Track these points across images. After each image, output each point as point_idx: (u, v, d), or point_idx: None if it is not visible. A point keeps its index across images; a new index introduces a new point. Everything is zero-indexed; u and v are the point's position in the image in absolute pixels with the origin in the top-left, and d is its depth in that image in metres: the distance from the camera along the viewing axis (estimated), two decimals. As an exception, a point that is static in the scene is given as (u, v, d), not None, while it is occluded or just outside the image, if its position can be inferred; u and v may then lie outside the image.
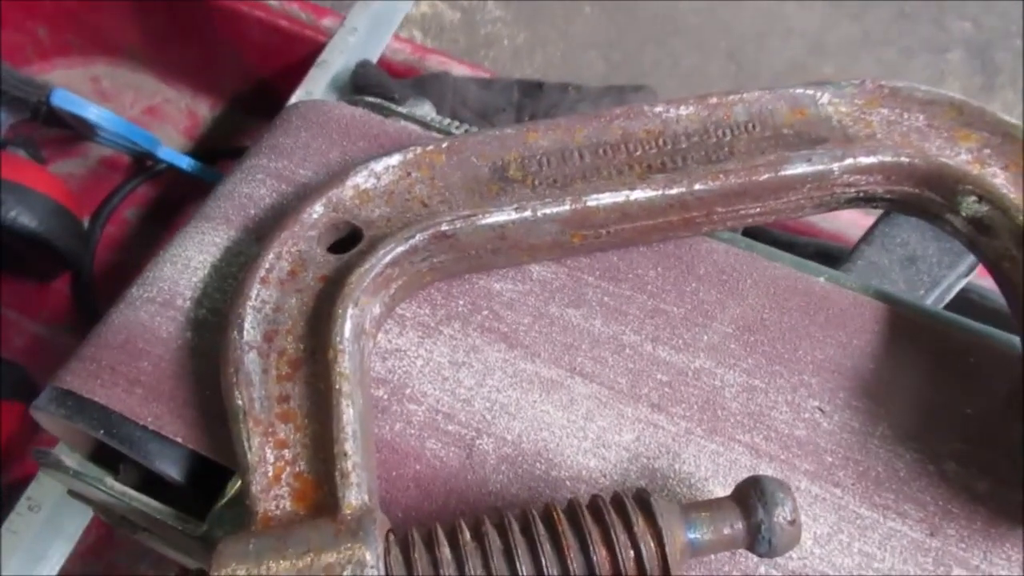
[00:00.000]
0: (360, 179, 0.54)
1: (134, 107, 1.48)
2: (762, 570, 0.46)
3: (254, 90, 1.44)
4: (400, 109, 0.65)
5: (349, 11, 1.21)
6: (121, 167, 1.42)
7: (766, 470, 0.48)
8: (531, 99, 1.19)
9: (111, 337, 0.53)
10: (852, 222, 1.02)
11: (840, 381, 0.51)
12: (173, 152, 1.34)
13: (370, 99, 0.65)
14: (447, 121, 0.67)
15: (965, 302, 0.69)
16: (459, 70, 1.24)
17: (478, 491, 0.48)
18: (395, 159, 0.55)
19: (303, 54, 1.30)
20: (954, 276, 0.68)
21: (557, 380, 0.51)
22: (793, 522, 0.41)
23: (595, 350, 0.52)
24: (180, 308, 0.54)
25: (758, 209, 0.54)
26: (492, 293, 0.54)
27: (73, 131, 1.33)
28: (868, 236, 0.70)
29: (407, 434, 0.50)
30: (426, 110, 0.72)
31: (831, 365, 0.52)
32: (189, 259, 0.56)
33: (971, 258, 0.69)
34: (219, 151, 1.44)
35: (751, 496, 0.41)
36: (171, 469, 0.50)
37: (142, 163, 1.41)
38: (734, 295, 0.55)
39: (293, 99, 1.19)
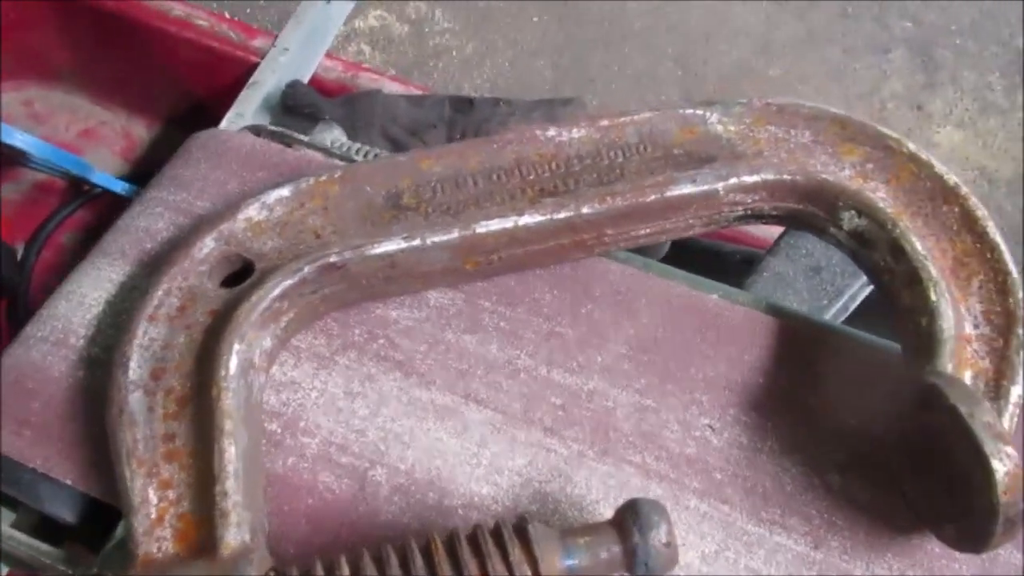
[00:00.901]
0: (252, 211, 0.54)
1: (69, 130, 1.46)
2: (649, 590, 0.46)
3: (191, 109, 1.43)
4: (302, 137, 0.65)
5: (280, 31, 1.21)
6: (56, 191, 1.40)
7: (656, 490, 0.49)
8: (462, 115, 1.19)
9: (3, 376, 0.53)
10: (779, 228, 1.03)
11: (730, 397, 0.52)
12: (107, 177, 1.33)
13: (272, 128, 0.65)
14: (356, 147, 0.67)
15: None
16: (391, 87, 1.25)
17: (370, 523, 0.48)
18: (287, 190, 0.55)
19: (237, 74, 1.29)
20: (857, 285, 0.69)
21: (451, 407, 0.52)
22: (668, 544, 0.41)
23: (490, 375, 0.53)
24: (73, 347, 0.53)
25: (648, 230, 0.55)
26: (388, 321, 0.55)
27: (4, 155, 1.31)
28: (774, 247, 0.71)
29: (300, 468, 0.50)
30: (335, 135, 0.72)
31: (722, 381, 0.53)
32: (84, 296, 0.56)
33: (874, 266, 0.70)
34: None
35: (627, 520, 0.42)
36: (63, 511, 0.49)
37: (78, 187, 1.39)
38: (628, 315, 0.55)
39: (224, 122, 1.18)
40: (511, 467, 0.50)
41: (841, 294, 0.69)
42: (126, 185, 1.34)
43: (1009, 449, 0.41)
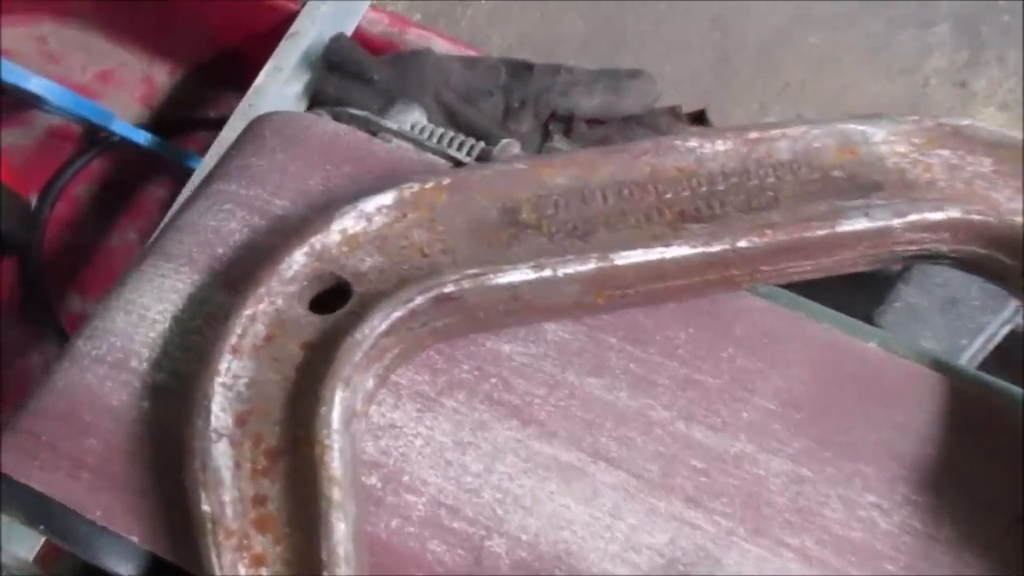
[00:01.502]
0: (348, 221, 0.46)
1: (85, 71, 1.36)
2: None
3: (218, 58, 1.32)
4: (390, 124, 0.56)
5: (322, -23, 1.11)
6: (72, 138, 1.31)
7: (818, 581, 0.42)
8: (519, 81, 1.10)
9: (53, 405, 0.45)
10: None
11: (898, 471, 0.45)
12: (128, 126, 1.23)
13: (354, 112, 0.57)
14: (440, 133, 0.59)
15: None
16: (441, 46, 1.15)
17: (487, 603, 0.41)
18: (389, 197, 0.47)
19: (271, 22, 1.19)
20: (999, 322, 0.62)
21: (578, 466, 0.45)
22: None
23: (620, 429, 0.46)
24: (135, 371, 0.46)
25: (808, 267, 0.47)
26: (501, 357, 0.47)
27: (16, 97, 1.21)
28: (905, 274, 0.63)
29: (405, 533, 0.43)
30: (415, 117, 0.63)
31: (888, 451, 0.46)
32: (146, 308, 0.48)
33: (1015, 303, 0.63)
34: (180, 123, 1.33)
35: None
36: (124, 568, 0.42)
37: (95, 134, 1.30)
38: (777, 363, 0.48)
39: (262, 75, 1.09)
40: (650, 544, 0.43)
41: (980, 331, 0.62)
42: (148, 135, 1.25)
43: None
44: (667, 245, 0.45)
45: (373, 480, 0.44)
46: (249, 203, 0.51)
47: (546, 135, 1.06)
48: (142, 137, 1.23)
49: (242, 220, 0.51)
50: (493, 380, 0.47)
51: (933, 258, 0.48)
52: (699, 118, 1.12)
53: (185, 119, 1.33)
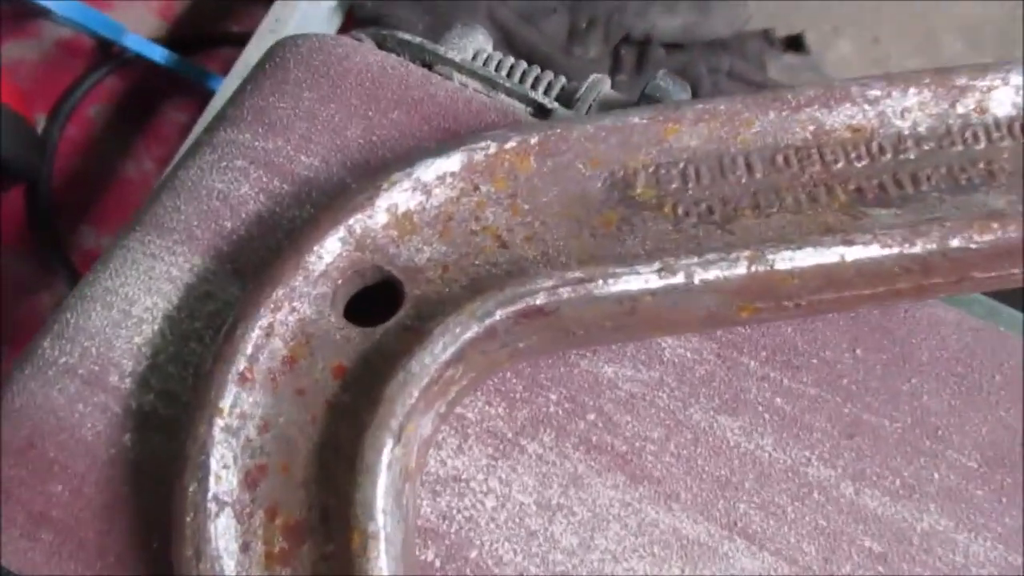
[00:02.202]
0: (399, 195, 0.34)
1: (96, -23, 1.22)
2: None
3: (243, -37, 1.18)
4: (449, 53, 0.43)
5: None
6: (82, 52, 1.18)
7: None
8: (587, -1, 0.94)
9: (9, 434, 0.34)
10: None
11: None
12: (143, 40, 1.10)
13: (403, 36, 0.43)
14: (511, 64, 0.45)
15: None
16: (498, -47, 0.99)
17: None
18: (455, 162, 0.34)
19: (303, -78, 1.03)
20: None
21: (708, 544, 0.33)
22: None
23: (765, 491, 0.34)
24: (115, 390, 0.34)
25: (1036, 274, 0.34)
26: (601, 383, 0.35)
27: (19, 5, 1.08)
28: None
29: (472, 630, 0.31)
30: (479, 43, 0.49)
31: None
32: (131, 302, 0.36)
33: None
34: (200, 38, 1.19)
35: None
36: (101, 657, 0.32)
37: (108, 48, 1.17)
38: (976, 401, 0.35)
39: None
40: (808, 660, 0.31)
41: None
42: (164, 52, 1.11)
43: None
44: (849, 243, 0.32)
45: (430, 555, 0.32)
46: (267, 159, 0.39)
47: (616, 62, 0.92)
48: (158, 54, 1.10)
49: (257, 183, 0.38)
50: (591, 416, 0.34)
51: None
52: (795, 43, 0.96)
53: (206, 34, 1.20)
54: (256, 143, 0.39)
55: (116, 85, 1.18)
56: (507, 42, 0.92)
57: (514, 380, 0.35)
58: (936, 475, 0.34)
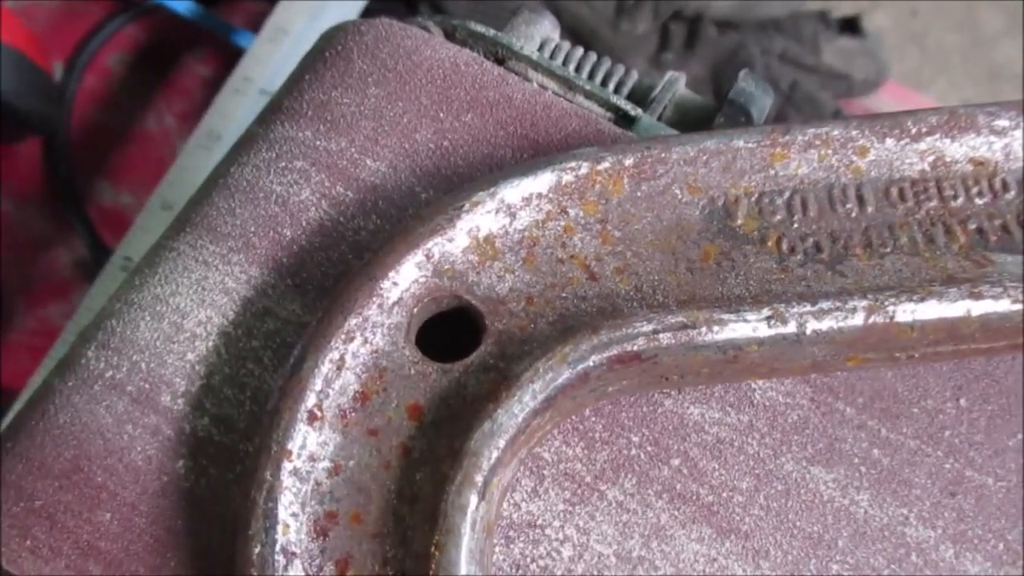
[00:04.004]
0: (482, 216, 0.31)
1: (116, -83, 1.17)
2: None
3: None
4: (526, 52, 0.40)
5: None
6: (101, -1, 1.13)
7: None
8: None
9: (53, 453, 0.32)
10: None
11: None
12: (166, -11, 1.06)
13: (475, 28, 0.40)
14: (579, 57, 0.42)
15: None
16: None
17: None
18: (542, 181, 0.31)
19: None
20: None
21: (798, 607, 0.31)
22: None
23: (860, 551, 0.31)
24: (167, 411, 0.32)
25: None
26: (687, 426, 0.33)
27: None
28: None
29: None
30: (545, 31, 0.46)
31: None
32: (183, 314, 0.33)
33: None
34: (225, -12, 1.15)
35: None
36: None
37: (128, -5, 1.12)
38: (1087, 461, 0.33)
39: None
40: None
41: None
42: (187, 2, 1.07)
43: None
44: (976, 296, 0.29)
45: (504, 607, 0.30)
46: (329, 161, 0.36)
47: (664, 39, 0.87)
48: (180, 4, 1.06)
49: (319, 188, 0.35)
50: (675, 461, 0.32)
51: None
52: (851, 25, 0.92)
53: (233, -17, 1.15)
54: (318, 142, 0.36)
55: (136, 34, 1.13)
56: (554, 15, 0.87)
57: (593, 419, 0.32)
58: (1042, 540, 0.32)
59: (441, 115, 0.37)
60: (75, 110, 1.10)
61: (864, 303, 0.29)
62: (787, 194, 0.32)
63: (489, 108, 0.37)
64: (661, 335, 0.28)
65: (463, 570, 0.26)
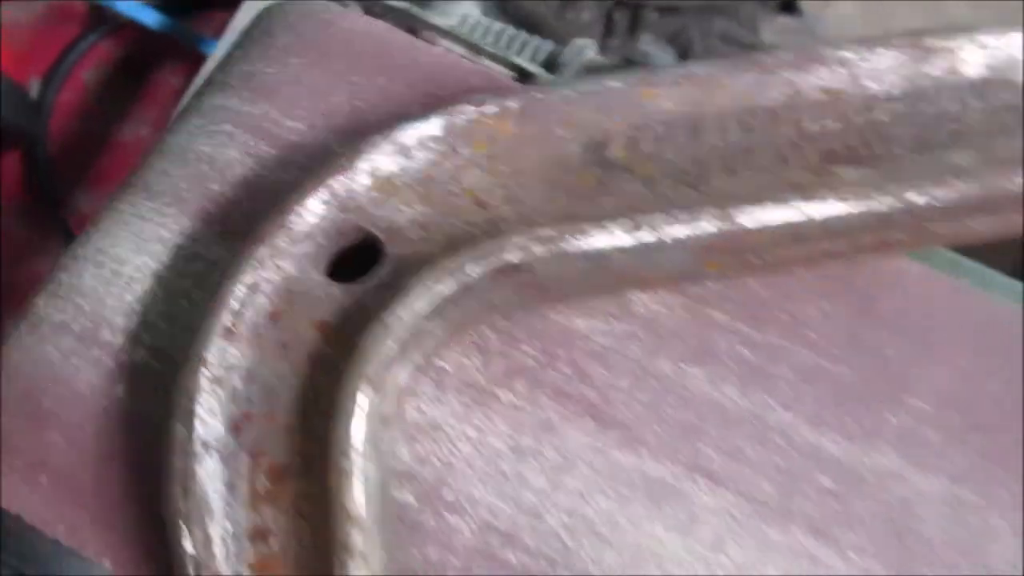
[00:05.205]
0: (382, 157, 0.35)
1: (86, -62, 1.21)
2: None
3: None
4: (435, 19, 0.44)
5: None
6: (76, 17, 1.18)
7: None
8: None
9: (7, 388, 0.36)
10: None
11: (1092, 500, 0.35)
12: (136, 4, 1.10)
13: (391, 2, 0.44)
14: (497, 30, 0.46)
15: None
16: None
17: (554, 659, 0.32)
18: (435, 126, 0.35)
19: None
20: None
21: (671, 483, 0.34)
22: None
23: (728, 435, 0.35)
24: (107, 345, 0.36)
25: (998, 225, 0.35)
26: (574, 336, 0.36)
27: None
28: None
29: (447, 565, 0.33)
30: (466, 8, 0.50)
31: (1079, 473, 0.35)
32: (121, 262, 0.37)
33: None
34: (194, 1, 1.19)
35: None
36: (99, 594, 0.34)
37: (100, 12, 1.17)
38: (936, 350, 0.37)
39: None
40: (761, 588, 0.33)
41: None
42: (157, 15, 1.12)
43: None
44: (811, 199, 0.33)
45: (407, 497, 0.34)
46: (254, 124, 0.40)
47: (609, 26, 0.92)
48: (151, 17, 1.10)
49: (244, 147, 0.39)
50: (563, 367, 0.36)
51: None
52: (788, 6, 0.96)
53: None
54: (243, 108, 0.40)
55: (110, 49, 1.18)
56: (499, 5, 0.92)
57: (490, 334, 0.36)
58: (892, 419, 0.35)
59: (354, 79, 0.41)
60: (54, 123, 1.14)
61: (714, 211, 0.33)
62: (657, 127, 0.36)
63: (398, 71, 0.41)
64: (534, 247, 0.32)
65: (355, 446, 0.29)
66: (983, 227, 0.35)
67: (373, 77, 0.41)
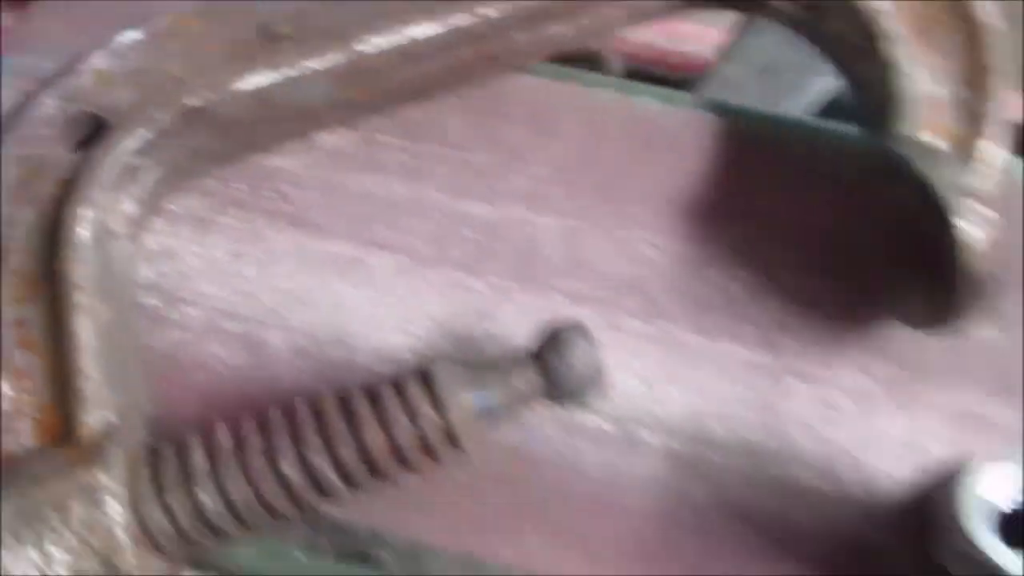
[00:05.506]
0: (100, 61, 0.46)
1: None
2: (586, 420, 0.41)
3: None
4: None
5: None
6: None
7: (588, 316, 0.42)
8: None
9: None
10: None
11: (671, 209, 0.45)
12: None
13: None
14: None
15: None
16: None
17: (271, 391, 0.42)
18: (139, 32, 0.47)
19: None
20: (821, 81, 0.62)
21: (353, 256, 0.45)
22: (589, 363, 0.35)
23: (394, 216, 0.46)
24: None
25: (572, 31, 0.47)
26: (275, 171, 0.47)
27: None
28: (726, 52, 0.63)
29: (185, 342, 0.43)
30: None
31: (662, 193, 0.46)
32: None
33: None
34: None
35: (543, 344, 0.36)
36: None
37: None
38: (551, 132, 0.48)
39: None
40: (424, 313, 0.43)
41: (800, 90, 0.61)
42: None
43: (977, 205, 0.35)
44: (406, 23, 0.45)
45: (152, 301, 0.44)
46: (21, 70, 0.51)
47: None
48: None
49: (15, 88, 0.51)
50: (268, 193, 0.47)
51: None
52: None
53: None
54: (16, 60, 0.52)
55: None
56: None
57: (210, 182, 0.47)
58: (520, 183, 0.46)
59: (95, 28, 0.53)
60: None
61: (336, 43, 0.44)
62: (314, 6, 0.48)
63: (131, 16, 0.53)
64: (204, 91, 0.44)
65: (82, 240, 0.40)
66: (562, 33, 0.47)
67: (111, 24, 0.52)
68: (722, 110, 0.48)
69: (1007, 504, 0.30)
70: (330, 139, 0.48)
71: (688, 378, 0.41)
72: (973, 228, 0.34)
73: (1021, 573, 0.27)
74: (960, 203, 0.34)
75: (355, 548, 0.39)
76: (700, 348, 0.42)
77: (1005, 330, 0.42)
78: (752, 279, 0.43)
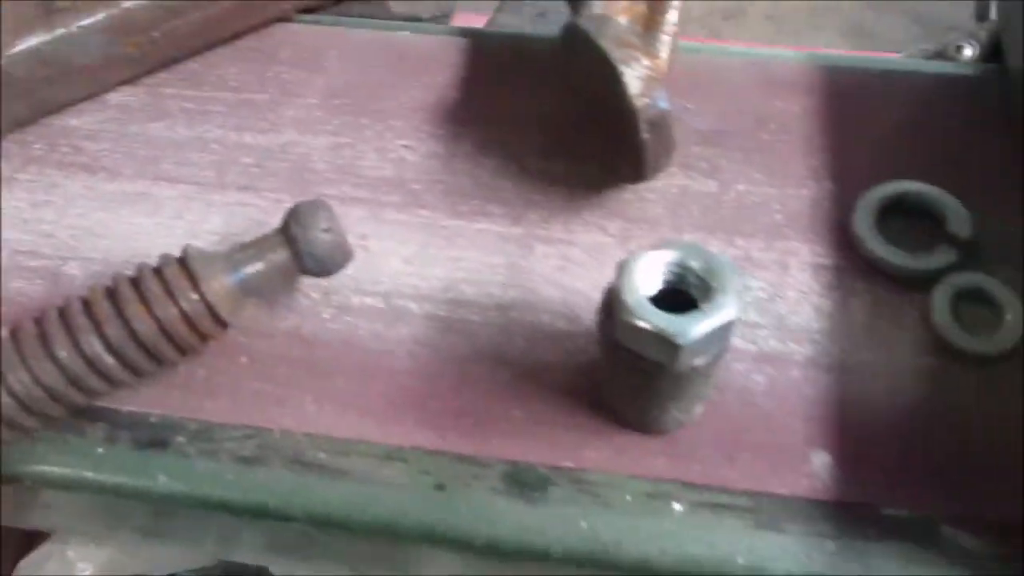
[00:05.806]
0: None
1: None
2: (356, 300, 0.45)
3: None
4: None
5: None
6: None
7: (355, 213, 0.48)
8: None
9: None
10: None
11: (424, 116, 0.51)
12: None
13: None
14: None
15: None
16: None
17: (70, 314, 0.46)
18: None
19: None
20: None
21: (143, 192, 0.50)
22: (329, 231, 0.40)
23: (179, 154, 0.51)
24: None
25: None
26: (70, 130, 0.52)
27: None
28: (501, 5, 0.70)
29: (-10, 281, 0.47)
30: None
31: (415, 105, 0.52)
32: None
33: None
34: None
35: (289, 220, 0.41)
36: None
37: None
38: (318, 69, 0.54)
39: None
40: (208, 229, 0.48)
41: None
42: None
43: (637, 54, 0.41)
44: (150, -16, 0.50)
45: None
46: None
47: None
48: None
49: None
50: (64, 149, 0.51)
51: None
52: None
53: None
54: None
55: None
56: None
57: (9, 145, 0.52)
58: (291, 113, 0.52)
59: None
60: None
61: (103, 3, 0.49)
62: (84, -19, 0.53)
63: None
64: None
65: None
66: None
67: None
68: (466, 33, 0.54)
69: (660, 281, 0.35)
70: (119, 96, 0.53)
71: (446, 256, 0.47)
72: (629, 69, 0.40)
73: (667, 325, 0.33)
74: (619, 50, 0.41)
75: (152, 437, 0.43)
76: (457, 229, 0.48)
77: (721, 182, 0.48)
78: (499, 167, 0.49)
